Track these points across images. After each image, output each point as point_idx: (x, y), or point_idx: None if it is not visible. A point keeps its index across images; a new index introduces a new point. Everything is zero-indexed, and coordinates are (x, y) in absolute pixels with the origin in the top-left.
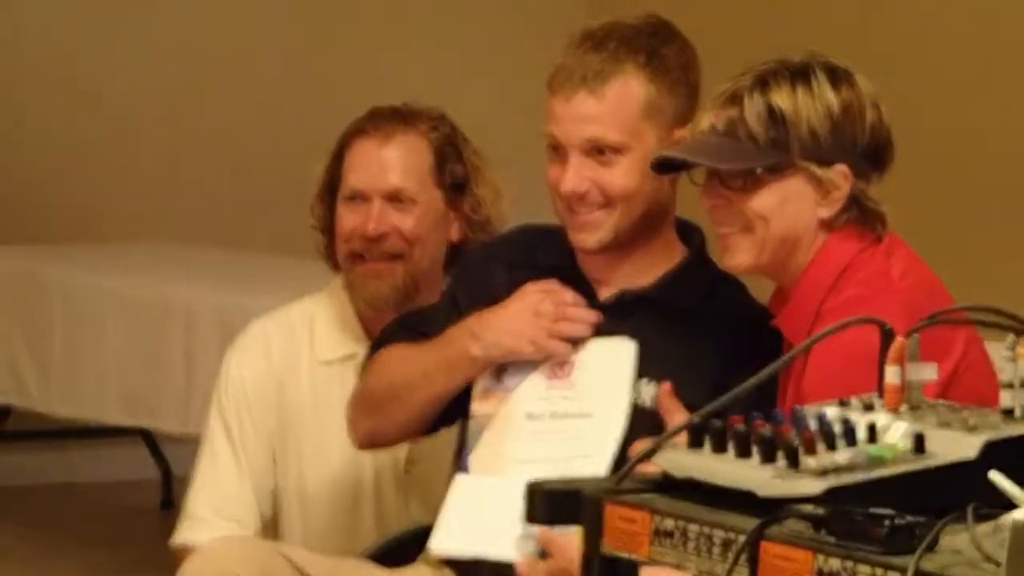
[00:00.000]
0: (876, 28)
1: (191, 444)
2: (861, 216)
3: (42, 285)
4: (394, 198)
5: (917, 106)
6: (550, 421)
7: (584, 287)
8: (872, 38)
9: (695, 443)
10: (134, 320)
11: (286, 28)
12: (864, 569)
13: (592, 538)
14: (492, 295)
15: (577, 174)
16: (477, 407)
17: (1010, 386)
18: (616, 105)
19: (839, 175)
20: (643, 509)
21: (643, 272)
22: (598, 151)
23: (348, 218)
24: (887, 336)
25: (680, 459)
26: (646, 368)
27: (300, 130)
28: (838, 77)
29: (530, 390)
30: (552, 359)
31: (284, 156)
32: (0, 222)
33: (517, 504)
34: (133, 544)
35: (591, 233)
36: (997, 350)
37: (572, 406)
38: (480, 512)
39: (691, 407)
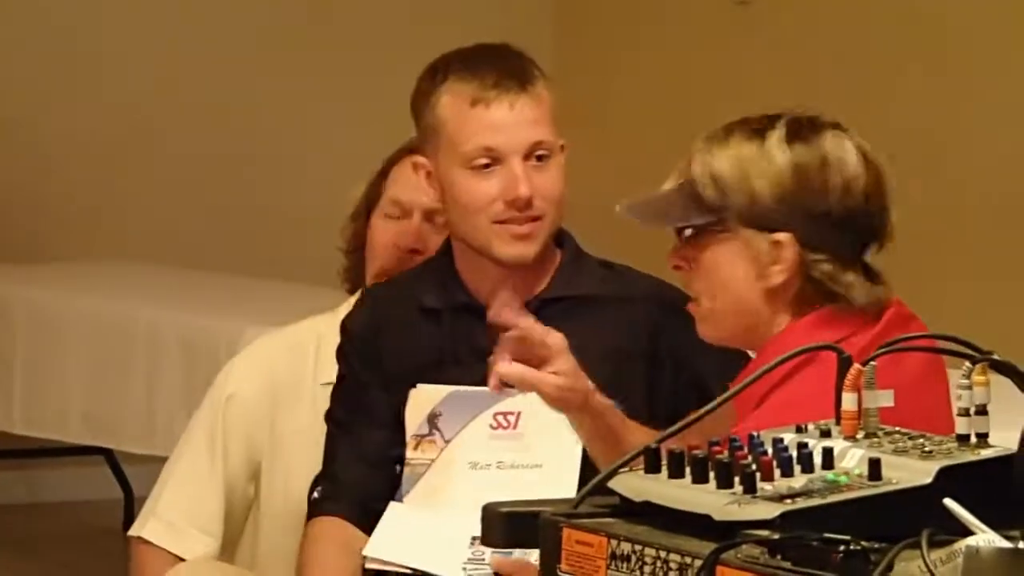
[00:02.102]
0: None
1: (153, 465)
2: (827, 297)
3: (4, 304)
4: (431, 218)
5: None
6: (497, 471)
7: (481, 312)
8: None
9: (652, 467)
10: (97, 340)
11: (257, 53)
12: None
13: (549, 562)
14: (413, 351)
15: (527, 178)
16: (412, 454)
17: (966, 413)
18: (546, 107)
19: (778, 243)
20: (600, 533)
21: (532, 282)
22: (536, 156)
23: (386, 230)
24: (844, 363)
25: (637, 483)
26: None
27: (267, 154)
28: (802, 135)
29: (472, 439)
30: (492, 410)
31: (250, 179)
32: None
33: (462, 530)
34: (95, 564)
35: (530, 244)
36: (954, 377)
37: (520, 457)
38: (420, 531)
39: (630, 396)
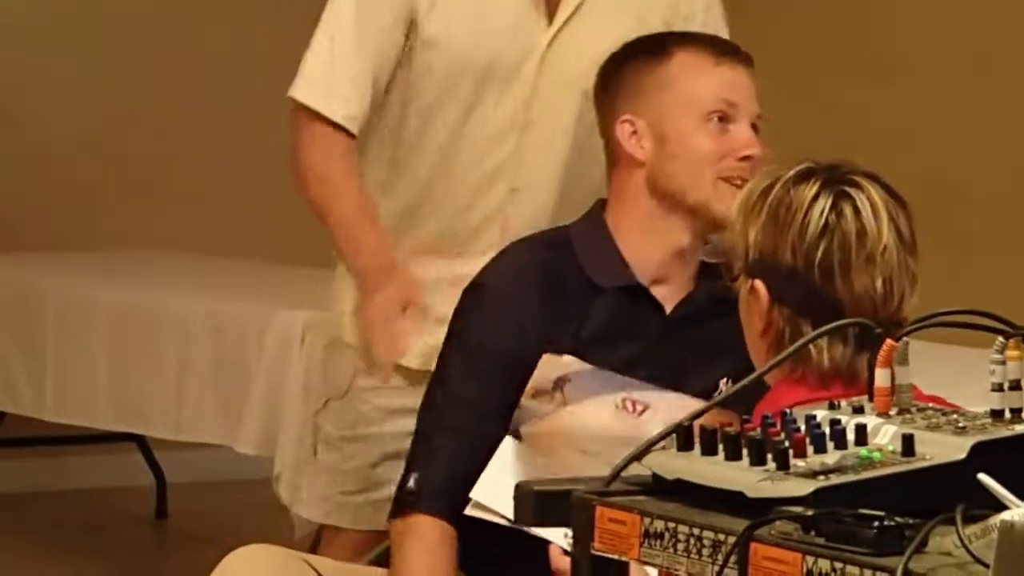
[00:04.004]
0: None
1: (185, 452)
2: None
3: (35, 292)
4: None
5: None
6: (607, 443)
7: (649, 301)
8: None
9: (685, 445)
10: (127, 327)
11: (269, 44)
12: (853, 571)
13: (582, 540)
14: (561, 322)
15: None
16: (526, 401)
17: (1000, 388)
18: None
19: (754, 291)
20: (633, 511)
21: (687, 267)
22: (755, 127)
23: None
24: (876, 339)
25: (670, 461)
26: (729, 369)
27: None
28: (797, 182)
29: (595, 410)
30: (623, 394)
31: (277, 164)
32: None
33: None
34: (127, 552)
35: None
36: (986, 354)
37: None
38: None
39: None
